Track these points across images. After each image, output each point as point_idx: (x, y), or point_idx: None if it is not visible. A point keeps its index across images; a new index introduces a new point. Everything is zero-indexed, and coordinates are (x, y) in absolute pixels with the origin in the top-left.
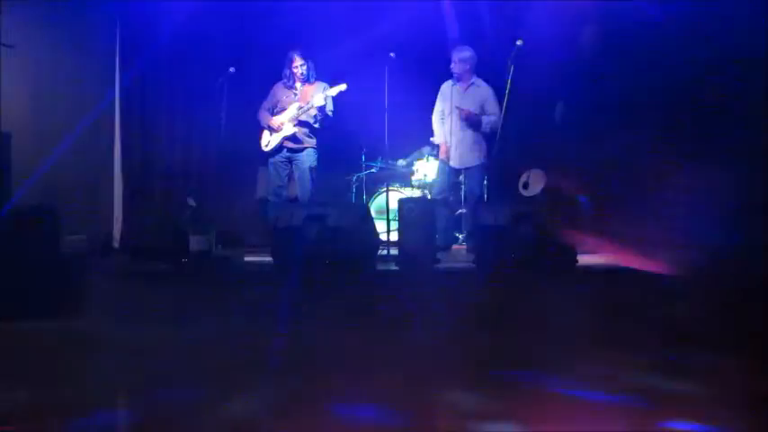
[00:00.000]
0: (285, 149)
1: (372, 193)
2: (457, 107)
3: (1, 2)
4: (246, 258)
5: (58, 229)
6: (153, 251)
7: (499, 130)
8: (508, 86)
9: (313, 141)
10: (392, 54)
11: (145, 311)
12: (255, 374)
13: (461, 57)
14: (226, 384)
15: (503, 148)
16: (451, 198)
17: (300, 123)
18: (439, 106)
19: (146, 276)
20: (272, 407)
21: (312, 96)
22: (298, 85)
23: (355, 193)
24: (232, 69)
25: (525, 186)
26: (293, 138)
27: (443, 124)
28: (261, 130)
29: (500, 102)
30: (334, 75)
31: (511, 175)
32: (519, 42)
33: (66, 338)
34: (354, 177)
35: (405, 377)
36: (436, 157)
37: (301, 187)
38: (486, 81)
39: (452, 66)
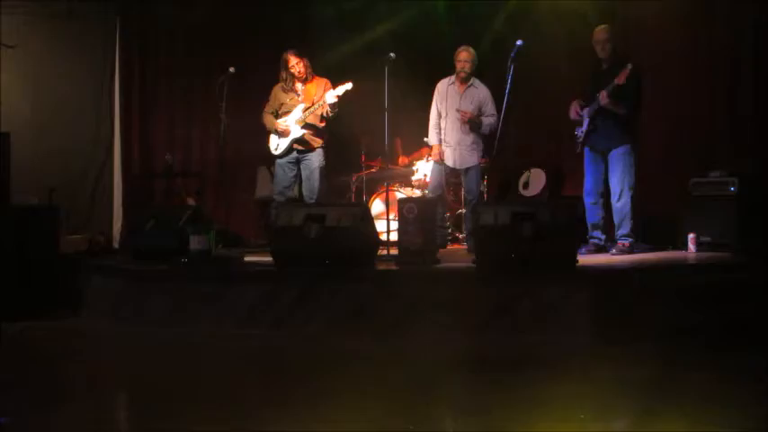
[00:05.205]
0: (295, 151)
1: (372, 193)
2: (458, 110)
3: (1, 2)
4: (246, 258)
5: (58, 229)
6: (153, 251)
7: (499, 130)
8: (508, 86)
9: (320, 141)
10: (392, 54)
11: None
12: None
13: (469, 56)
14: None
15: (503, 148)
16: (452, 198)
17: (307, 124)
18: (436, 106)
19: (146, 276)
20: None
21: (315, 95)
22: (298, 85)
23: (355, 192)
24: (232, 69)
25: (525, 186)
26: (301, 139)
27: (441, 124)
28: (267, 133)
29: (500, 101)
30: (334, 75)
31: (511, 175)
32: (519, 42)
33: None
34: (354, 177)
35: None
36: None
37: (310, 187)
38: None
39: (459, 65)
